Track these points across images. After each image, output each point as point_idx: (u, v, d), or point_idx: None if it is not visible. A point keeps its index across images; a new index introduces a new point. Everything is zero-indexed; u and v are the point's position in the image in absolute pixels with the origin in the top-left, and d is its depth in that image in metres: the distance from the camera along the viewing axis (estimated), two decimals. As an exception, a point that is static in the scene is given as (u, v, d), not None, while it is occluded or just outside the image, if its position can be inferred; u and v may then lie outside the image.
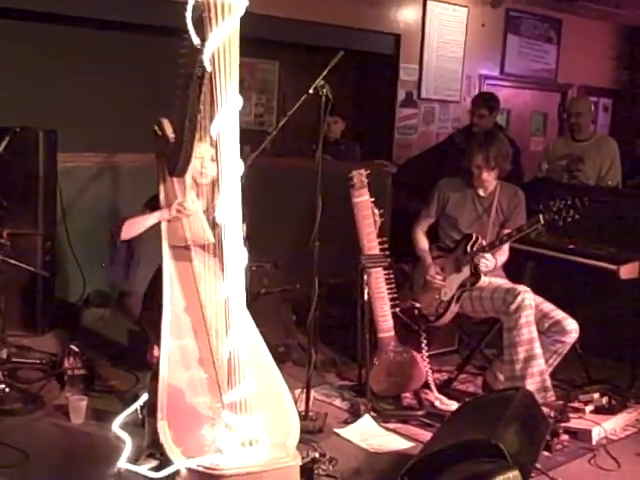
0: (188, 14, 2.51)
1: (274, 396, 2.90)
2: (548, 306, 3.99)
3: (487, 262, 4.05)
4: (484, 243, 4.12)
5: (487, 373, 4.22)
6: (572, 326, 3.91)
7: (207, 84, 2.85)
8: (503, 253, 4.21)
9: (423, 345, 4.13)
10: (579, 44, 8.40)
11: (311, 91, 3.60)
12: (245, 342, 2.60)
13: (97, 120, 5.72)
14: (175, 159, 3.28)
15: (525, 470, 2.86)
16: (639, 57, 9.01)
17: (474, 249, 4.13)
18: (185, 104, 3.07)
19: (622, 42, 9.03)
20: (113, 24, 5.61)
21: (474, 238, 4.16)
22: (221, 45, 2.41)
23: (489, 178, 4.22)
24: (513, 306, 3.89)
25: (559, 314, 3.95)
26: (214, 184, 3.27)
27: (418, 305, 4.25)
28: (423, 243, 4.42)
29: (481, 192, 4.31)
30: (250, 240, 3.33)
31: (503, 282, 4.18)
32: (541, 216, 3.88)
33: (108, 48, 5.95)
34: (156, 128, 3.45)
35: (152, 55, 5.84)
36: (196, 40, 2.56)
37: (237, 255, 2.53)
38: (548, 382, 3.90)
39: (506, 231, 4.13)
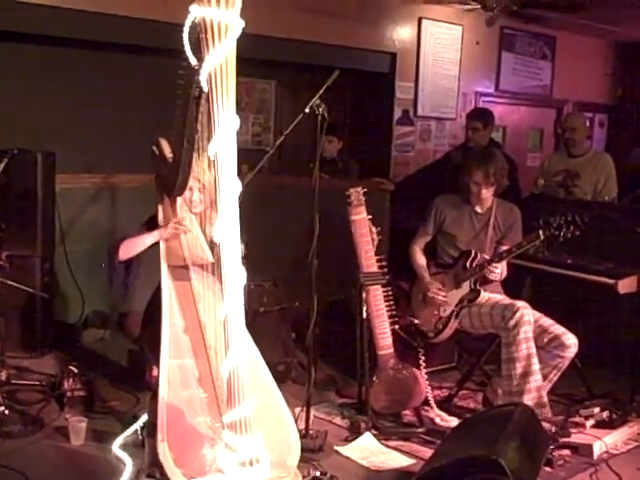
0: (185, 35, 2.53)
1: (274, 415, 2.90)
2: (547, 321, 4.00)
3: (497, 271, 4.05)
4: (487, 257, 4.12)
5: (487, 389, 4.22)
6: (571, 341, 3.92)
7: (204, 104, 2.86)
8: (503, 270, 4.22)
9: (421, 362, 4.12)
10: (574, 61, 8.46)
11: (307, 110, 3.62)
12: (244, 361, 2.61)
13: (95, 141, 5.73)
14: (173, 179, 3.29)
15: (526, 486, 2.86)
16: (634, 73, 9.06)
17: (473, 265, 4.14)
18: (183, 124, 3.09)
19: (616, 58, 9.09)
20: (111, 46, 5.64)
21: (473, 254, 4.18)
22: (218, 65, 2.43)
23: (488, 195, 4.24)
24: (512, 322, 3.90)
25: (558, 329, 3.96)
26: (212, 206, 3.30)
27: (417, 321, 4.26)
28: (421, 260, 4.43)
29: (478, 209, 4.33)
30: (248, 259, 3.34)
31: (501, 298, 4.18)
32: (541, 232, 3.89)
33: (106, 69, 5.97)
34: (154, 148, 3.47)
35: (150, 76, 5.87)
36: (193, 61, 2.58)
37: (236, 274, 2.54)
38: (545, 398, 3.90)
39: (505, 247, 4.14)
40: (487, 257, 4.14)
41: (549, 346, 3.95)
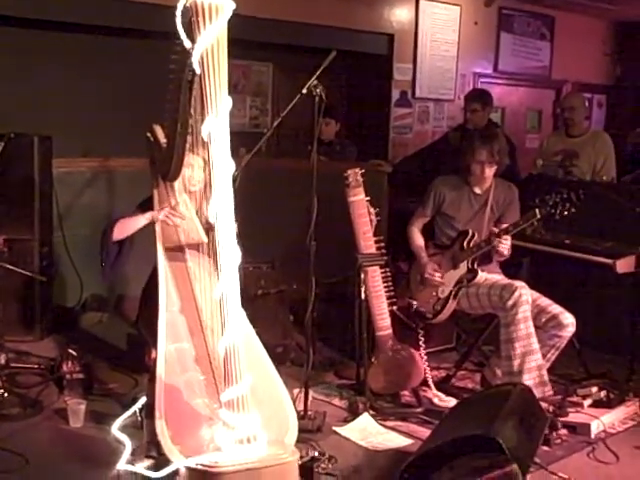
0: (178, 18, 2.52)
1: (271, 394, 2.90)
2: (545, 301, 4.00)
3: (507, 243, 4.02)
4: (496, 233, 4.09)
5: (485, 369, 4.23)
6: (569, 320, 3.92)
7: (197, 88, 2.85)
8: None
9: (421, 342, 4.13)
10: (572, 41, 8.43)
11: (304, 91, 3.60)
12: (241, 340, 2.61)
13: (91, 125, 5.72)
14: (168, 163, 3.29)
15: (524, 464, 2.87)
16: (632, 52, 9.02)
17: (471, 245, 4.14)
18: (176, 109, 3.08)
19: (615, 38, 9.05)
20: (106, 30, 5.62)
21: (470, 234, 4.18)
22: (209, 47, 2.43)
23: (490, 174, 4.22)
24: (510, 302, 3.90)
25: (556, 308, 3.96)
26: (206, 188, 3.31)
27: (415, 303, 4.26)
28: (419, 240, 4.43)
29: (477, 189, 4.32)
30: (246, 241, 3.34)
31: (499, 278, 4.18)
32: (537, 210, 3.88)
33: (101, 53, 5.96)
34: (149, 135, 3.48)
35: (145, 59, 5.84)
36: (188, 43, 2.57)
37: (231, 254, 2.54)
38: (546, 377, 3.91)
39: (503, 226, 4.13)
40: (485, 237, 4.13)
41: (547, 326, 3.96)
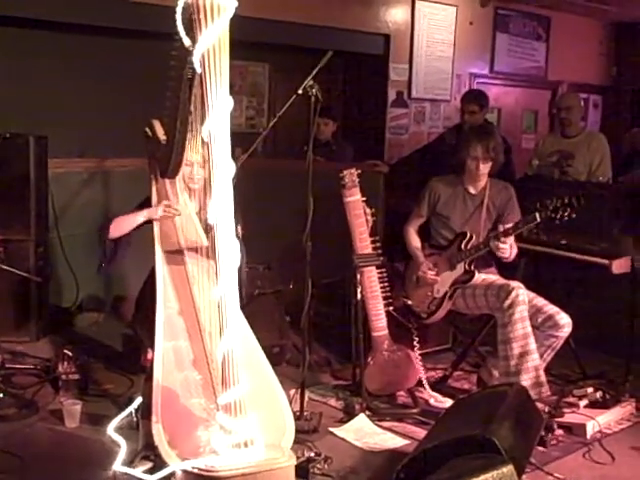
0: (178, 16, 2.51)
1: (268, 397, 2.91)
2: (541, 301, 4.00)
3: (505, 246, 4.00)
4: (495, 236, 4.09)
5: (481, 370, 4.23)
6: (565, 320, 3.92)
7: (197, 86, 2.85)
8: (514, 246, 4.14)
9: (415, 343, 4.13)
10: (568, 41, 8.44)
11: (300, 91, 3.60)
12: (239, 343, 2.61)
13: (87, 125, 5.71)
14: (167, 161, 3.29)
15: (519, 465, 2.86)
16: (628, 53, 9.04)
17: (469, 247, 4.14)
18: (176, 106, 3.08)
19: (611, 38, 9.06)
20: (102, 29, 5.61)
21: (468, 236, 4.17)
22: (211, 46, 2.42)
23: (485, 171, 4.21)
24: (507, 302, 3.90)
25: (552, 309, 3.96)
26: (206, 187, 3.30)
27: (410, 302, 4.26)
28: (415, 241, 4.43)
29: (471, 189, 4.32)
30: (244, 241, 3.34)
31: (496, 278, 4.18)
32: (537, 214, 3.86)
33: (97, 53, 5.94)
34: (147, 129, 3.46)
35: (142, 59, 5.84)
36: (187, 41, 2.56)
37: (230, 256, 2.54)
38: (543, 377, 3.90)
39: (504, 227, 4.11)
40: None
41: (543, 326, 3.96)
